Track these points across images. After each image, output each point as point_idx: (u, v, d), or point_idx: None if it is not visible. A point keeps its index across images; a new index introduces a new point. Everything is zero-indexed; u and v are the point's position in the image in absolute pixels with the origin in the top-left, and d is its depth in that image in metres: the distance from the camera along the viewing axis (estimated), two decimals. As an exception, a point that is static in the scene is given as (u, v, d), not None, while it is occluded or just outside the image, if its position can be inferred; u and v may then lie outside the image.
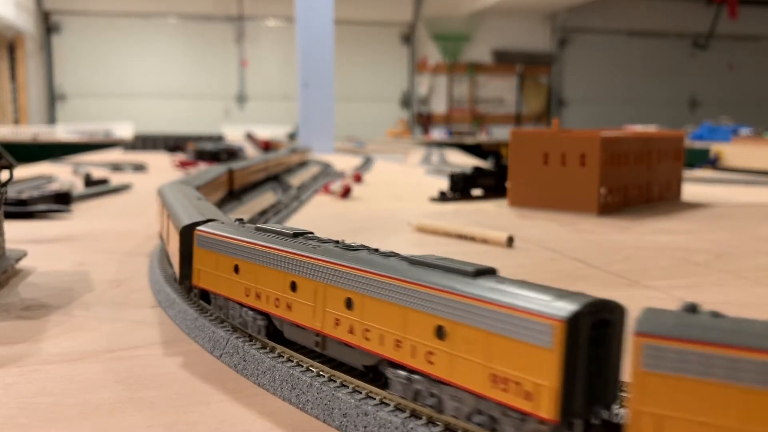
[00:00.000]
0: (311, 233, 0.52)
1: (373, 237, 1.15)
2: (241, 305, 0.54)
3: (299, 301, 0.47)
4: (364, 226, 1.26)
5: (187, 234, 0.61)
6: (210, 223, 0.60)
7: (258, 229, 0.54)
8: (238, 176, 1.56)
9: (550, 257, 0.98)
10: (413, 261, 0.40)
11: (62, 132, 5.58)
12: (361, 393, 0.43)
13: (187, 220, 0.62)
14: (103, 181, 1.85)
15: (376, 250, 0.45)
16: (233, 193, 1.53)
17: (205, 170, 1.49)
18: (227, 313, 0.56)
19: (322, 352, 0.46)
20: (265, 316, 0.51)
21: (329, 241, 0.49)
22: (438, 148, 4.64)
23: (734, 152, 2.94)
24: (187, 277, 0.61)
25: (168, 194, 0.86)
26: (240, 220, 0.62)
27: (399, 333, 0.39)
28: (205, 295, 0.60)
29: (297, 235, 0.51)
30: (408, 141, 5.97)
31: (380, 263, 0.41)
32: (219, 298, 0.57)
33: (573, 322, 0.30)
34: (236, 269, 0.53)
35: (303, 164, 2.65)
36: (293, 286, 0.47)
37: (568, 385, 0.31)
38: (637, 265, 0.93)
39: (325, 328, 0.44)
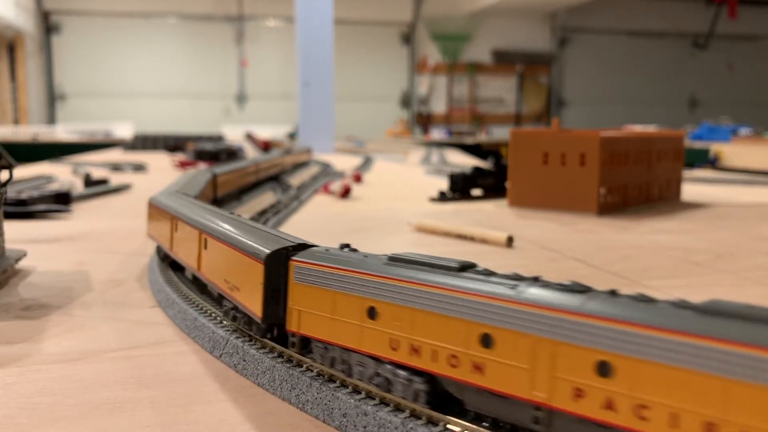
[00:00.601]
0: (475, 264, 0.40)
1: (372, 237, 1.15)
2: (379, 361, 0.41)
3: (499, 361, 0.35)
4: (364, 226, 1.26)
5: (275, 264, 0.48)
6: (310, 251, 0.48)
7: (393, 260, 0.42)
8: (221, 182, 1.39)
9: (550, 257, 0.98)
10: (704, 310, 0.30)
11: (62, 132, 5.59)
12: (360, 393, 0.43)
13: (268, 246, 0.50)
14: (103, 181, 1.85)
15: (613, 291, 0.33)
16: (217, 201, 1.36)
17: (188, 176, 1.28)
18: (349, 370, 0.44)
19: None
20: (428, 377, 0.39)
21: (517, 277, 0.37)
22: (438, 148, 4.64)
23: (734, 152, 2.94)
24: (274, 319, 0.49)
25: (187, 208, 0.72)
26: (346, 245, 0.49)
27: (713, 414, 0.28)
28: (305, 343, 0.48)
29: (464, 268, 0.39)
30: (408, 141, 5.97)
31: (652, 315, 0.30)
32: (334, 349, 0.44)
33: None
34: (371, 313, 0.41)
35: (301, 165, 2.54)
36: (486, 341, 0.35)
37: None
38: (637, 264, 0.93)
39: (555, 400, 0.33)
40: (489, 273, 0.38)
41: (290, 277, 0.47)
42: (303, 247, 0.49)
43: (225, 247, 0.56)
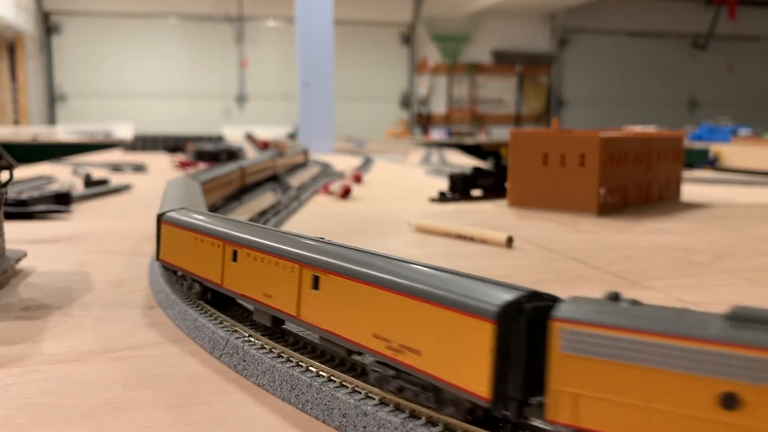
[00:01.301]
0: None
1: (372, 237, 1.15)
2: None
3: None
4: (364, 227, 1.26)
5: (508, 323, 0.35)
6: (582, 305, 0.33)
7: (739, 320, 0.29)
8: (205, 191, 1.20)
9: (550, 257, 0.98)
10: None
11: (62, 132, 5.59)
12: (360, 393, 0.43)
13: (491, 296, 0.36)
14: (103, 182, 1.85)
15: None
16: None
17: (178, 185, 1.09)
18: None
19: None
20: None
21: None
22: (438, 148, 4.64)
23: (733, 152, 2.94)
24: (505, 401, 0.35)
25: (257, 233, 0.57)
26: (615, 295, 0.34)
27: None
28: None
29: None
30: (408, 141, 5.98)
31: None
32: None
33: None
34: (729, 403, 0.28)
35: (297, 167, 2.47)
36: None
37: None
38: (637, 265, 0.93)
39: None
40: None
41: (552, 345, 0.34)
42: (536, 297, 0.36)
43: (384, 292, 0.42)
